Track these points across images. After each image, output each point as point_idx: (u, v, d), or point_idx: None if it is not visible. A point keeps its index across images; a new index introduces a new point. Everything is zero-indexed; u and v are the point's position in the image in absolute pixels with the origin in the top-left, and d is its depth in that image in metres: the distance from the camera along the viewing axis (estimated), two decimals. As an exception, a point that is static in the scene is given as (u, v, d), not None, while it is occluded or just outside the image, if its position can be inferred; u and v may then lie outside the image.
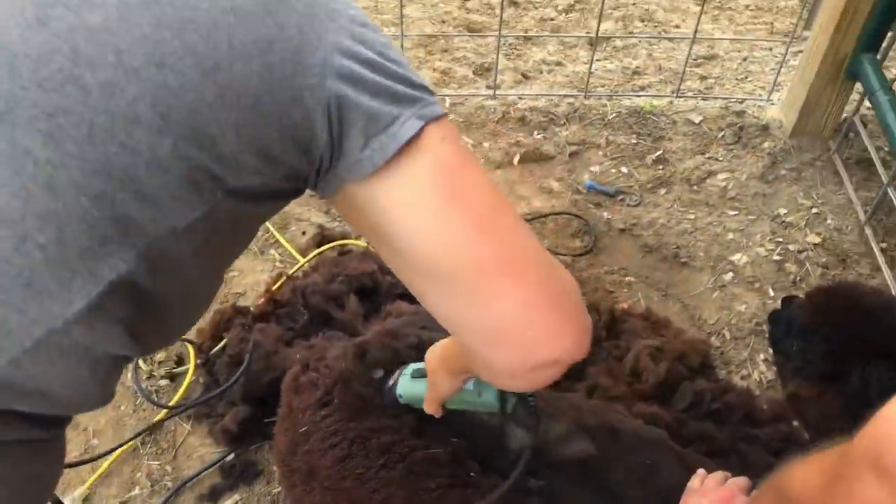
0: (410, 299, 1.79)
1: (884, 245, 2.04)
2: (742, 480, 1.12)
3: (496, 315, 0.65)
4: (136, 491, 1.61)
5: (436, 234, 0.63)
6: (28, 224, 0.50)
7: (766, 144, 2.32)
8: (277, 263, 2.05)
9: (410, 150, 0.62)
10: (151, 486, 1.62)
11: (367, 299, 1.80)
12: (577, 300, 0.70)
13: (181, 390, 1.74)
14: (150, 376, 1.79)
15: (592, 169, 2.30)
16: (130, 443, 1.66)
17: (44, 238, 0.51)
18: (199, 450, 1.66)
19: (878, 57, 2.07)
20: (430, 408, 1.18)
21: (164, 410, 1.70)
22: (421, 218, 0.63)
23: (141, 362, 1.80)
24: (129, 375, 1.77)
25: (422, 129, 0.62)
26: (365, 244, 1.99)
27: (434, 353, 1.11)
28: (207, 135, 0.55)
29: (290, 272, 1.94)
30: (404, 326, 1.50)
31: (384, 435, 1.25)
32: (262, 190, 0.61)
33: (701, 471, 1.21)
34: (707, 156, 2.32)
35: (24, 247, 0.51)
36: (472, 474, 1.19)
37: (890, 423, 0.61)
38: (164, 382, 1.79)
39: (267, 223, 2.12)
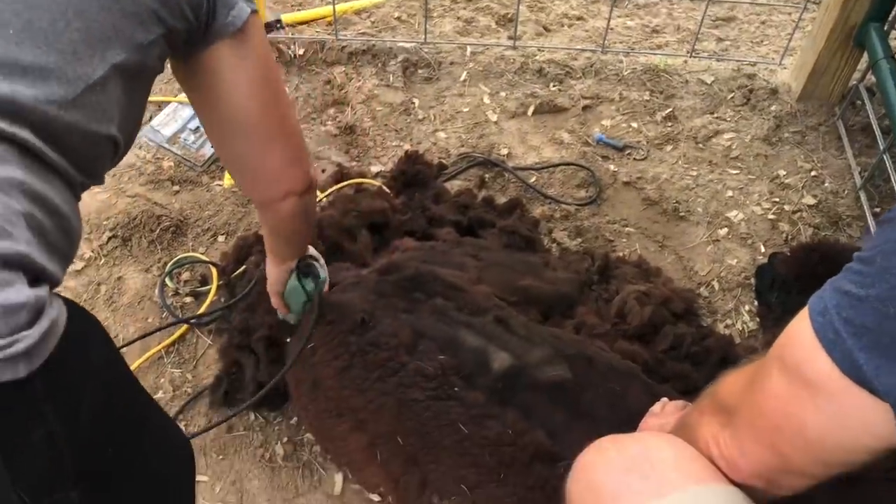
0: (416, 236, 1.92)
1: (877, 210, 2.12)
2: (699, 407, 1.24)
3: (269, 161, 1.05)
4: (160, 394, 1.78)
5: (252, 95, 0.99)
6: (66, 9, 0.76)
7: (773, 108, 2.39)
8: (298, 197, 2.18)
9: (247, 28, 0.95)
10: (173, 391, 1.78)
11: (377, 234, 1.93)
12: (308, 157, 1.13)
13: (203, 308, 1.89)
14: (176, 293, 1.95)
15: (603, 123, 2.39)
16: (155, 351, 1.83)
17: (77, 23, 0.77)
18: (218, 361, 1.81)
19: (885, 28, 2.12)
20: (274, 301, 1.50)
21: (185, 326, 1.86)
22: (245, 80, 0.98)
23: (168, 280, 1.95)
24: (157, 292, 1.93)
25: (249, 15, 0.95)
26: (379, 183, 2.11)
27: (266, 251, 1.40)
28: None
29: (309, 205, 2.07)
30: (406, 260, 1.63)
31: (381, 350, 1.39)
32: (176, 38, 0.89)
33: (664, 398, 1.34)
34: (715, 115, 2.39)
35: (57, 25, 0.76)
36: (455, 389, 1.33)
37: (793, 330, 0.74)
38: (188, 300, 1.94)
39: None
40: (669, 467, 0.86)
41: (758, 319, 1.91)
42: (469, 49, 2.57)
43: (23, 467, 0.70)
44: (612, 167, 2.26)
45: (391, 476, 1.38)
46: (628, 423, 1.33)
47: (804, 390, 0.72)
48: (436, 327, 1.43)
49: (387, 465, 1.38)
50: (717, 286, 1.99)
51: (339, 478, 1.65)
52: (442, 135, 2.34)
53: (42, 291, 0.71)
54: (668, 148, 2.32)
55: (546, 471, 1.28)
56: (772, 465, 0.79)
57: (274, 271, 1.44)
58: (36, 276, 0.73)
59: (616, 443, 0.92)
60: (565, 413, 1.34)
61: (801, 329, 0.72)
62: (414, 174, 2.11)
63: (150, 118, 2.32)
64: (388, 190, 2.09)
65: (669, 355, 1.70)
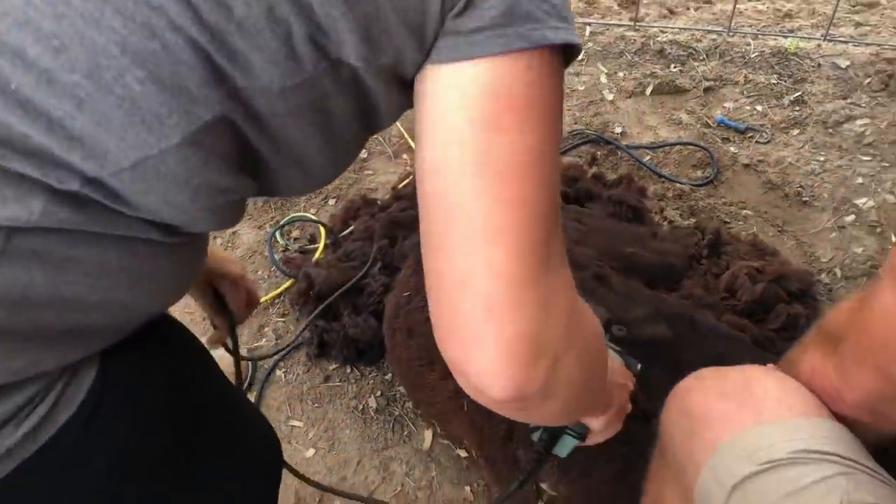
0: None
1: None
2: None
3: (467, 300, 0.55)
4: (263, 342, 1.84)
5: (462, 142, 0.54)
6: (127, 60, 0.49)
7: (915, 93, 2.23)
8: (408, 167, 2.21)
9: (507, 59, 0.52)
10: (276, 339, 1.83)
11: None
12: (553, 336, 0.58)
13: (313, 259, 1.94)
14: (286, 249, 2.01)
15: (726, 105, 2.30)
16: (263, 301, 1.89)
17: (142, 73, 0.49)
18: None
19: None
20: None
21: (291, 280, 1.91)
22: (451, 146, 0.54)
23: (278, 236, 2.01)
24: (266, 248, 1.99)
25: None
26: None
27: None
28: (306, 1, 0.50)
29: (417, 172, 2.09)
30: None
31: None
32: (367, 73, 0.55)
33: (771, 364, 1.26)
34: (849, 101, 2.25)
35: (123, 79, 0.49)
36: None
37: None
38: (296, 256, 2.00)
39: (402, 129, 2.28)
40: (769, 397, 0.81)
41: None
42: (588, 29, 2.53)
43: None
44: (732, 149, 2.16)
45: (475, 425, 1.36)
46: (729, 386, 1.26)
47: None
48: (532, 280, 1.41)
49: (472, 414, 1.36)
50: (839, 273, 1.86)
51: (428, 434, 1.65)
52: (555, 111, 2.31)
53: None
54: (795, 132, 2.20)
55: (639, 427, 1.23)
56: (877, 391, 0.72)
57: None
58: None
59: (716, 371, 0.89)
60: (663, 371, 1.28)
61: None
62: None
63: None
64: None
65: (781, 335, 1.60)
